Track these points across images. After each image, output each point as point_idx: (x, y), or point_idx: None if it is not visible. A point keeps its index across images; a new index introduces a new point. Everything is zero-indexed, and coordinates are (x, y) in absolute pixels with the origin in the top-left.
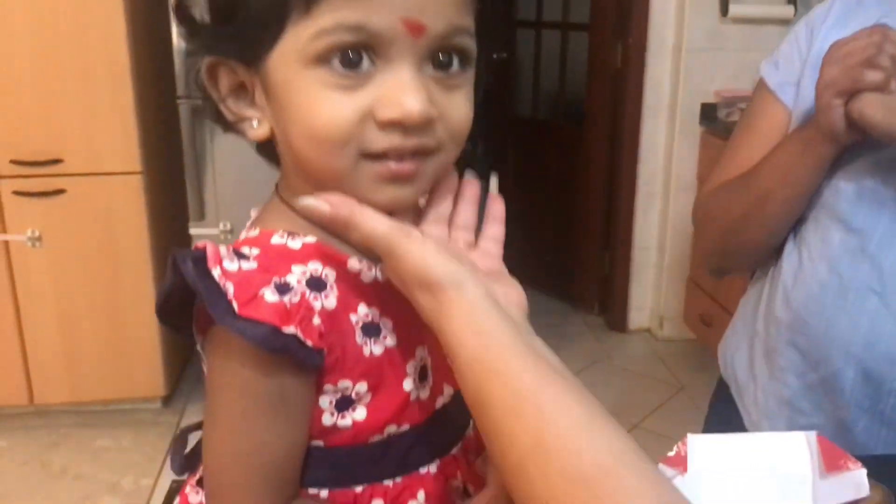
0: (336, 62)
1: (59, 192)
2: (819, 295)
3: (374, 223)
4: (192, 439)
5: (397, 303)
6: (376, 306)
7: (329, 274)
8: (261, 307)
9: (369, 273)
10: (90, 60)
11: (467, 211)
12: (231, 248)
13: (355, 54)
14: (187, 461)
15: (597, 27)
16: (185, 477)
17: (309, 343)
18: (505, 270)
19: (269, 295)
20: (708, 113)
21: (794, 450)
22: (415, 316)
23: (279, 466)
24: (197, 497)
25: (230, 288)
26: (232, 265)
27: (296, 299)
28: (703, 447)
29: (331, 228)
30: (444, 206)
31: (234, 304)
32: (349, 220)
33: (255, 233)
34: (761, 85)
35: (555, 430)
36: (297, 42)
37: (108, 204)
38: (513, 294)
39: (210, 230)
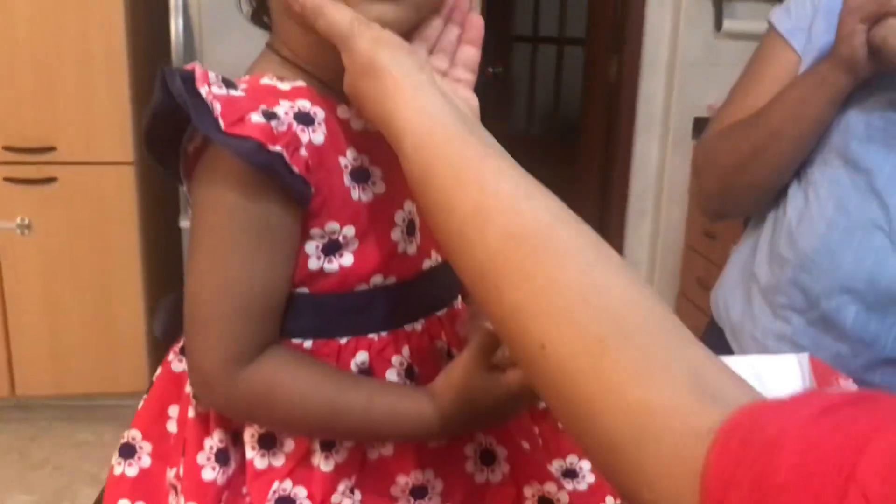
0: None
1: (51, 180)
2: (825, 233)
3: (341, 12)
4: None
5: (387, 153)
6: (365, 154)
7: (318, 112)
8: (247, 126)
9: (359, 121)
10: (88, 49)
11: (451, 34)
12: (220, 75)
13: None
14: (170, 327)
15: (593, 42)
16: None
17: (295, 169)
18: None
19: (256, 117)
20: (701, 127)
21: (786, 371)
22: None
23: (260, 302)
24: (180, 365)
25: (217, 107)
26: (220, 89)
27: (283, 127)
28: None
29: (303, 19)
30: (433, 28)
31: (221, 122)
32: (320, 6)
33: (244, 79)
34: (770, 32)
35: (494, 196)
36: None
37: (100, 194)
38: (464, 92)
39: None
